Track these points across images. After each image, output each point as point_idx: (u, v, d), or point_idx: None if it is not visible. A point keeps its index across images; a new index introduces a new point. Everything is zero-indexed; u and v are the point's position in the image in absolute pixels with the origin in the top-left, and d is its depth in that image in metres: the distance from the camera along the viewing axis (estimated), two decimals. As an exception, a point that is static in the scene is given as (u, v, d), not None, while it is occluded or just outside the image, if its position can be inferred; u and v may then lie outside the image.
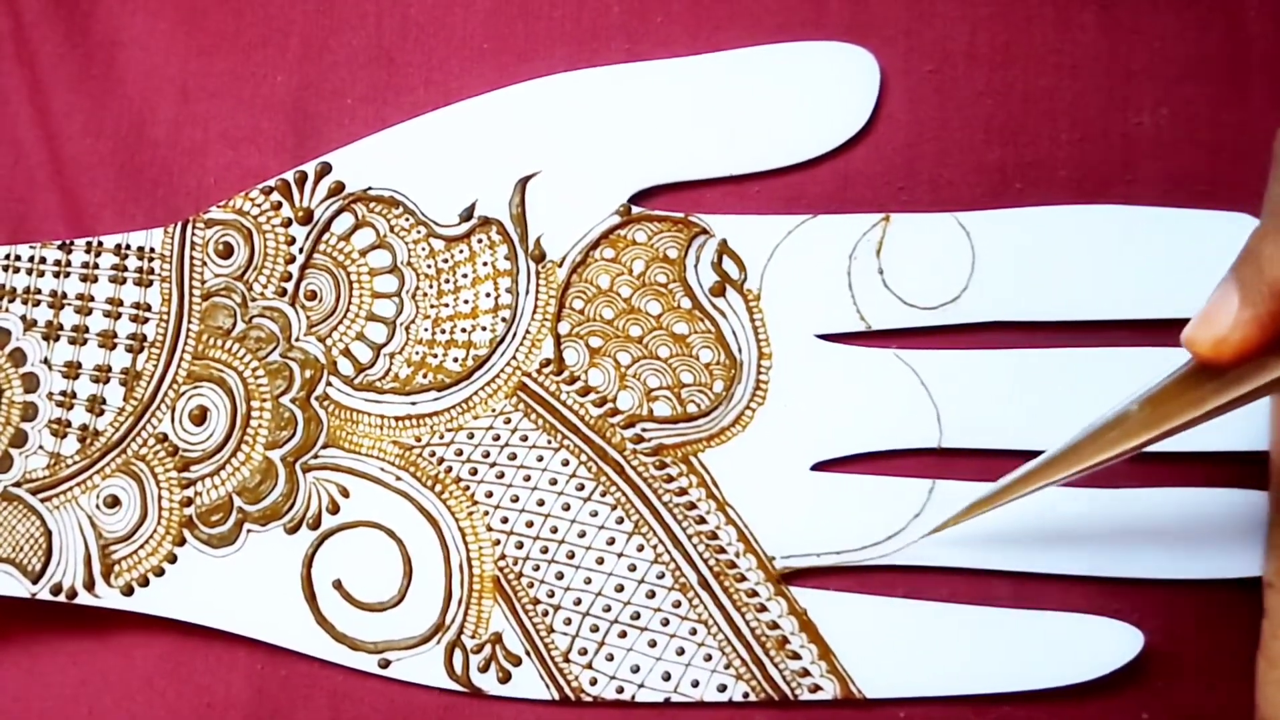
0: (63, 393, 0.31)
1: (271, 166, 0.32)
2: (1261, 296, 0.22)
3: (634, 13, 0.32)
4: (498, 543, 0.31)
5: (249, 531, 0.31)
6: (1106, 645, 0.29)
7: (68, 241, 0.32)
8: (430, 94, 0.32)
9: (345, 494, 0.31)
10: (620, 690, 0.30)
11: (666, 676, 0.30)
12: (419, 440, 0.31)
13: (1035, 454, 0.29)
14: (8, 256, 0.32)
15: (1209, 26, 0.30)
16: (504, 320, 0.31)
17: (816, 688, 0.30)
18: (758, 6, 0.31)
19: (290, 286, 0.31)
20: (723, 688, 0.30)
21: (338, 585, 0.31)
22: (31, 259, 0.32)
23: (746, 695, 0.30)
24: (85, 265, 0.32)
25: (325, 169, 0.31)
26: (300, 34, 0.33)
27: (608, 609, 0.30)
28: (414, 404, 0.31)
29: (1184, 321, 0.29)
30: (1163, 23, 0.30)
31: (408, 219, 0.31)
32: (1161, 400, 0.25)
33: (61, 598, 0.31)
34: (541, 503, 0.31)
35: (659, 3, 0.31)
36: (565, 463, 0.31)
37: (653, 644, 0.30)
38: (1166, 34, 0.30)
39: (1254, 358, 0.23)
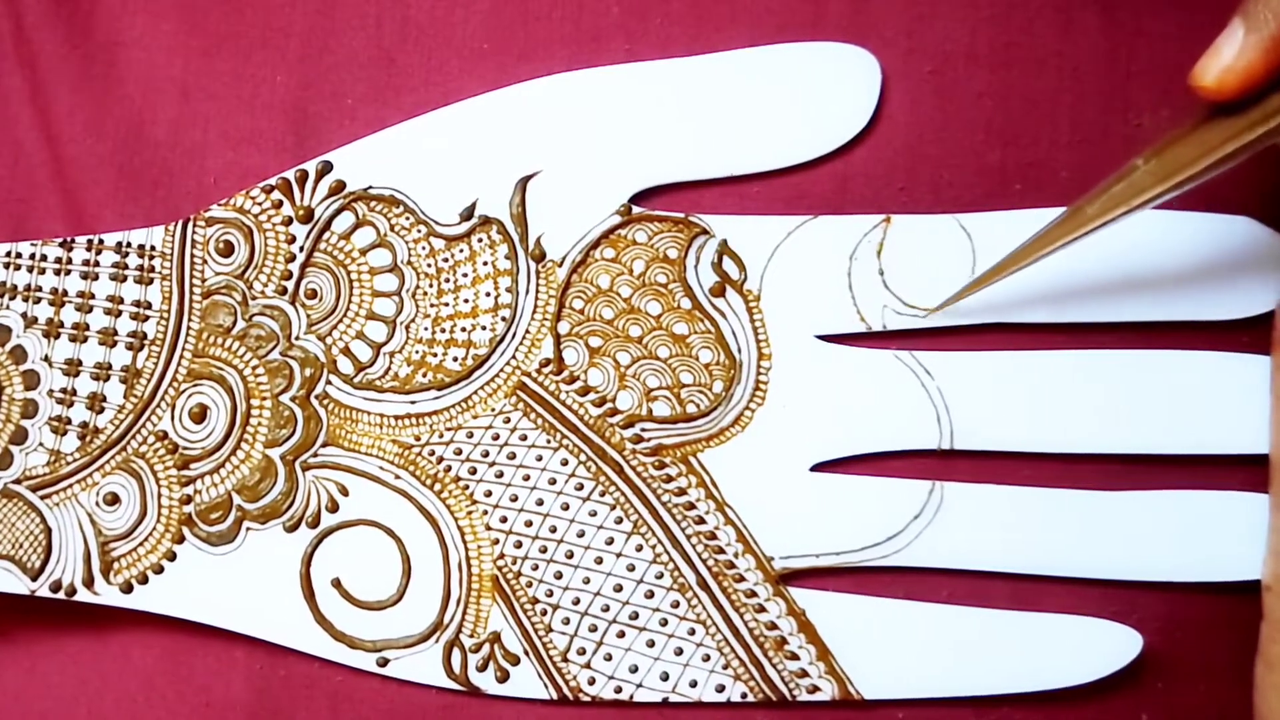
0: (63, 390, 0.32)
1: (271, 167, 0.32)
2: (1264, 21, 0.22)
3: (634, 14, 0.32)
4: (496, 542, 0.31)
5: (248, 529, 0.31)
6: (1105, 647, 0.29)
7: (69, 239, 0.32)
8: (430, 94, 0.32)
9: (344, 492, 0.31)
10: (618, 690, 0.30)
11: (665, 676, 0.30)
12: (418, 439, 0.31)
13: (1036, 456, 0.30)
14: (9, 254, 0.32)
15: (1208, 28, 0.30)
16: (504, 320, 0.31)
17: (815, 688, 0.29)
18: (757, 7, 0.31)
19: (290, 285, 0.31)
20: (721, 688, 0.30)
21: (336, 584, 0.31)
22: (33, 256, 0.32)
23: (745, 695, 0.30)
24: (86, 263, 0.32)
25: (326, 168, 0.31)
26: (300, 35, 0.33)
27: (606, 609, 0.30)
28: (414, 403, 0.31)
29: (1183, 324, 0.29)
30: (1163, 24, 0.30)
31: (408, 218, 0.31)
32: (1168, 152, 0.25)
33: (61, 595, 0.31)
34: (540, 502, 0.31)
35: (658, 4, 0.32)
36: (564, 462, 0.31)
37: (651, 644, 0.30)
38: (1167, 36, 0.30)
39: (1259, 88, 0.23)
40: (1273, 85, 0.23)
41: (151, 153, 0.33)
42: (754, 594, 0.30)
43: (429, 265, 0.31)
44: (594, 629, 0.30)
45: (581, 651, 0.30)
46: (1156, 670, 0.30)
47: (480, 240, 0.31)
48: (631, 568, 0.30)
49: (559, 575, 0.30)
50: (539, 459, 0.31)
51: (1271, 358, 0.28)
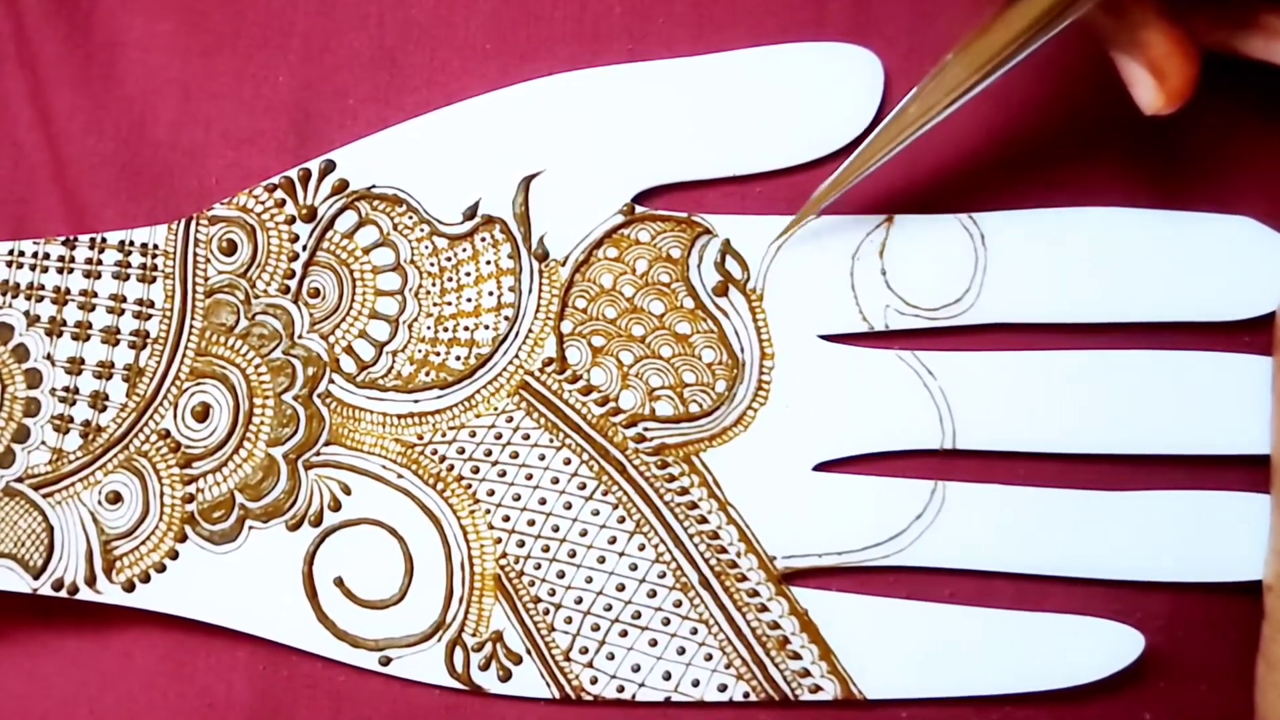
0: (65, 388, 0.31)
1: (273, 167, 0.32)
2: None
3: (636, 13, 0.32)
4: (499, 541, 0.31)
5: (251, 528, 0.31)
6: (1108, 647, 0.29)
7: (71, 238, 0.32)
8: (432, 94, 0.32)
9: (347, 491, 0.31)
10: (621, 689, 0.30)
11: (667, 676, 0.30)
12: (421, 438, 0.31)
13: (1038, 456, 0.30)
14: (11, 252, 0.32)
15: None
16: (506, 319, 0.31)
17: (817, 688, 0.30)
18: (760, 7, 0.31)
19: (293, 284, 0.31)
20: (723, 687, 0.30)
21: (339, 582, 0.31)
22: (35, 255, 0.32)
23: (747, 695, 0.30)
24: (89, 261, 0.32)
25: (329, 167, 0.31)
26: (302, 35, 0.33)
27: (609, 608, 0.30)
28: (416, 402, 0.31)
29: (1184, 325, 0.29)
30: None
31: (411, 217, 0.31)
32: (975, 43, 0.25)
33: (63, 593, 0.31)
34: (543, 501, 0.31)
35: (661, 4, 0.32)
36: (567, 461, 0.31)
37: (654, 643, 0.30)
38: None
39: None
40: None
41: (152, 153, 0.33)
42: (756, 593, 0.30)
43: (432, 264, 0.31)
44: (596, 628, 0.30)
45: (584, 651, 0.30)
46: (1159, 670, 0.30)
47: (483, 239, 0.31)
48: (634, 567, 0.30)
49: (561, 574, 0.30)
50: (542, 458, 0.31)
51: (1273, 358, 0.28)
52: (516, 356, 0.31)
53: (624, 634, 0.30)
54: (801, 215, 0.29)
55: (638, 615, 0.30)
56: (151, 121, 0.33)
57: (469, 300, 0.31)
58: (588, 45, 0.32)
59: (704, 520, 0.30)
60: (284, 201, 0.31)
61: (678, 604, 0.30)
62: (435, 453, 0.31)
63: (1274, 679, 0.27)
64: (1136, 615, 0.29)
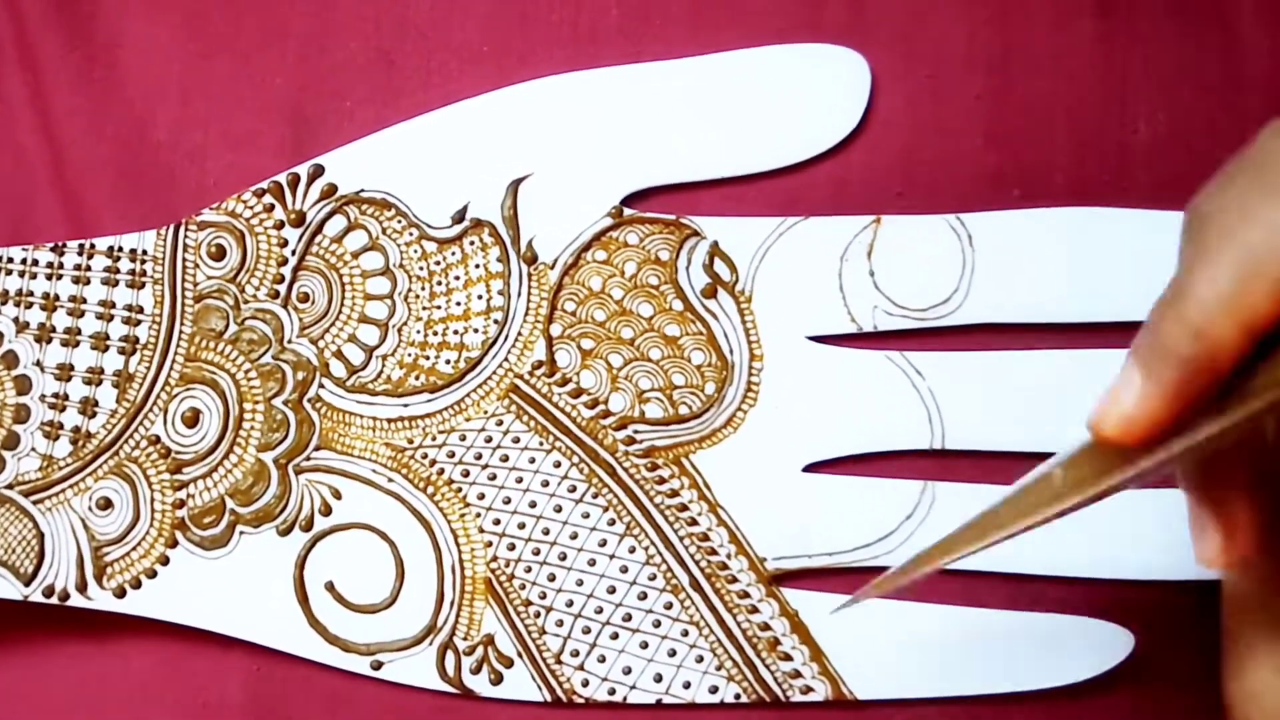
0: (55, 395, 0.32)
1: (271, 168, 0.32)
2: (1162, 368, 0.21)
3: (633, 16, 0.32)
4: (490, 544, 0.31)
5: (241, 533, 0.31)
6: (1099, 646, 0.29)
7: (60, 244, 0.32)
8: (429, 96, 0.32)
9: (337, 496, 0.31)
10: (612, 692, 0.30)
11: (658, 678, 0.30)
12: (411, 442, 0.31)
13: (1027, 455, 0.30)
14: (0, 259, 0.32)
15: (1205, 35, 0.30)
16: (496, 322, 0.31)
17: (808, 689, 0.30)
18: (755, 10, 0.31)
19: (283, 289, 0.31)
20: (714, 689, 0.30)
21: (330, 587, 0.31)
22: (24, 261, 0.32)
23: (738, 696, 0.30)
24: (78, 267, 0.32)
25: (318, 171, 0.31)
26: (299, 37, 0.33)
27: (600, 610, 0.30)
28: (406, 406, 0.31)
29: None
30: (1159, 31, 0.31)
31: (400, 221, 0.31)
32: (1085, 465, 0.23)
33: (54, 600, 0.31)
34: (534, 504, 0.31)
35: (658, 6, 0.32)
36: (557, 464, 0.31)
37: (645, 645, 0.30)
38: (1163, 42, 0.30)
39: (1163, 435, 0.21)
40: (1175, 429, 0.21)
41: (151, 154, 0.33)
42: (747, 595, 0.30)
43: (421, 268, 0.31)
44: (587, 631, 0.30)
45: (575, 653, 0.30)
46: (1151, 670, 0.30)
47: (472, 243, 0.31)
48: (625, 569, 0.30)
49: (552, 577, 0.30)
50: (532, 461, 0.31)
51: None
52: (506, 360, 0.31)
53: (615, 636, 0.30)
54: (861, 595, 0.26)
55: (628, 617, 0.30)
56: (151, 123, 0.33)
57: (458, 304, 0.31)
58: (584, 47, 0.32)
59: (694, 522, 0.30)
60: (273, 206, 0.31)
61: (668, 606, 0.30)
62: (425, 457, 0.31)
63: (1236, 652, 0.27)
64: (1128, 615, 0.29)
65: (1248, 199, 0.21)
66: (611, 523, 0.30)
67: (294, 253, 0.31)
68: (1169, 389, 0.21)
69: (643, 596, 0.30)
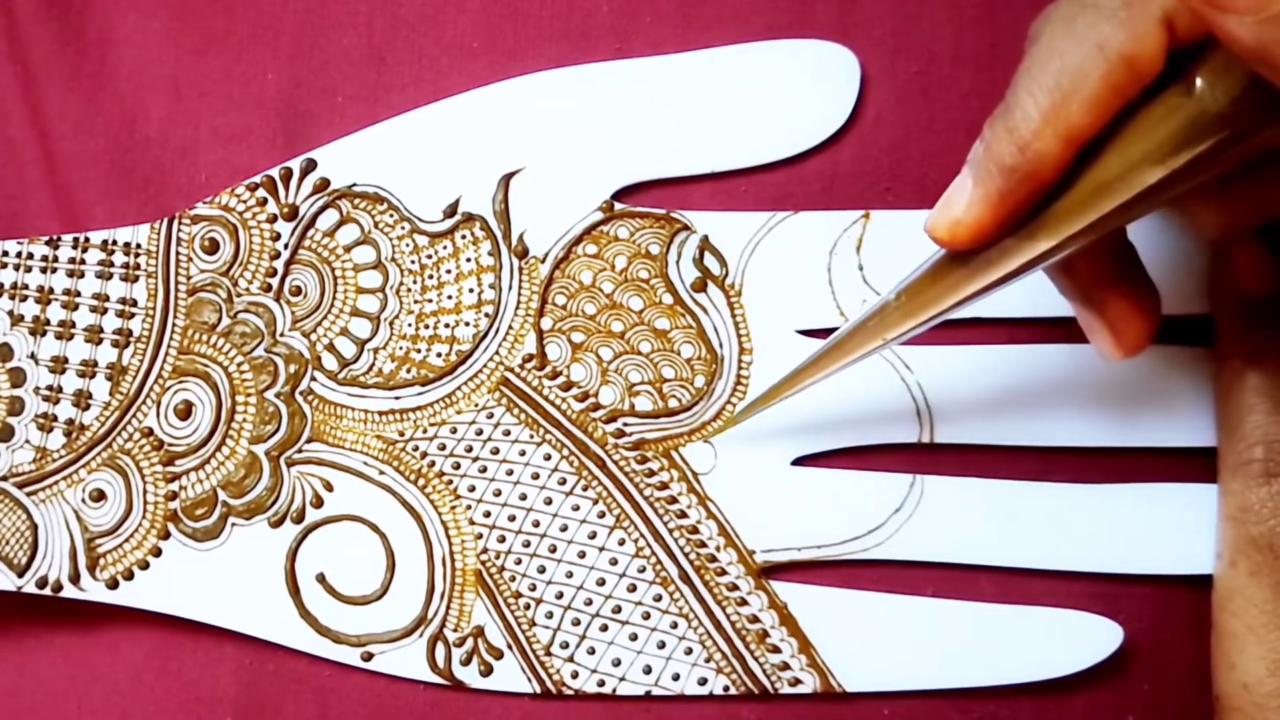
0: (49, 387, 0.32)
1: (262, 164, 0.32)
2: (990, 175, 0.23)
3: (623, 13, 0.32)
4: (480, 536, 0.31)
5: (233, 525, 0.31)
6: (1087, 640, 0.29)
7: (54, 237, 0.32)
8: (421, 92, 0.32)
9: (329, 488, 0.31)
10: (602, 683, 0.30)
11: (647, 670, 0.30)
12: (402, 435, 0.31)
13: (1016, 449, 0.30)
14: (-4, 253, 0.32)
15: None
16: (487, 316, 0.31)
17: (797, 681, 0.30)
18: (745, 7, 0.31)
19: (275, 282, 0.32)
20: (703, 681, 0.30)
21: (321, 579, 0.31)
22: (19, 254, 0.32)
23: (727, 689, 0.30)
24: (72, 261, 0.32)
25: (310, 165, 0.32)
26: (291, 32, 0.33)
27: (589, 602, 0.30)
28: (398, 398, 0.31)
29: (1168, 319, 0.29)
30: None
31: (392, 215, 0.31)
32: (917, 289, 0.25)
33: (47, 591, 0.31)
34: (524, 497, 0.31)
35: (648, 3, 0.32)
36: (547, 457, 0.31)
37: (634, 637, 0.30)
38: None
39: (989, 238, 0.23)
40: (1000, 235, 0.23)
41: (143, 150, 0.33)
42: (736, 587, 0.30)
43: (412, 262, 0.31)
44: (577, 623, 0.30)
45: (565, 645, 0.30)
46: (1141, 664, 0.30)
47: (463, 237, 0.31)
48: (614, 561, 0.30)
49: (542, 569, 0.31)
50: (522, 454, 0.31)
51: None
52: (497, 353, 0.31)
53: (604, 628, 0.30)
54: (726, 425, 0.30)
55: (618, 610, 0.30)
56: (142, 119, 0.33)
57: (449, 297, 0.31)
58: (575, 44, 0.32)
59: (683, 515, 0.30)
60: (266, 200, 0.32)
61: (658, 598, 0.30)
62: (417, 449, 0.31)
63: (1224, 648, 0.27)
64: (1118, 608, 0.29)
65: (1072, 19, 0.22)
66: (601, 515, 0.31)
67: (287, 246, 0.32)
68: (995, 195, 0.23)
69: (632, 589, 0.30)
